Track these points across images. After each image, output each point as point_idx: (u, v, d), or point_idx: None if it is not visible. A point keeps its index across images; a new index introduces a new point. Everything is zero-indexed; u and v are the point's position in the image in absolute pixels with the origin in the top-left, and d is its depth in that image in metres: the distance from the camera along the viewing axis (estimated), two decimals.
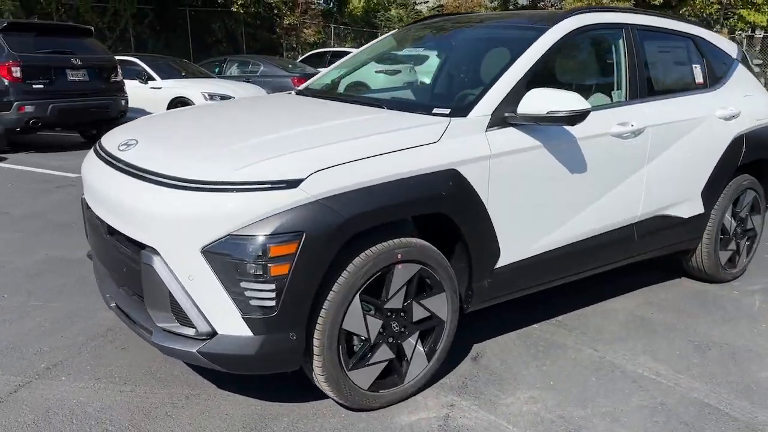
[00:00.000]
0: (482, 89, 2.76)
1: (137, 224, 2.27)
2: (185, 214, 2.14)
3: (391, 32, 4.15)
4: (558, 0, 25.34)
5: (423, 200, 2.40)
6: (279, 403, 2.53)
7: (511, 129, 2.70)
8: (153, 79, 10.97)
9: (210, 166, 2.24)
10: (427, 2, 30.40)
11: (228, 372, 2.29)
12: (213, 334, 2.19)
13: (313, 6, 26.24)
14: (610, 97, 3.27)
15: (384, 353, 2.47)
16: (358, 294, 2.31)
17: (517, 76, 2.77)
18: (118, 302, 2.60)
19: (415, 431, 2.39)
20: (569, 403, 2.62)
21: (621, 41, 3.30)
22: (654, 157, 3.29)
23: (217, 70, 13.36)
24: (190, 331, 2.22)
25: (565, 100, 2.60)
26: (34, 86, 8.40)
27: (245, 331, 2.17)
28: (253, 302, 2.13)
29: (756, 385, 2.81)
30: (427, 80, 4.08)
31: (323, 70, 4.12)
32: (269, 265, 2.09)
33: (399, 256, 2.39)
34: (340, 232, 2.17)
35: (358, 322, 2.35)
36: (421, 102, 3.55)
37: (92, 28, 9.78)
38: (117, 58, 9.99)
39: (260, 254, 2.08)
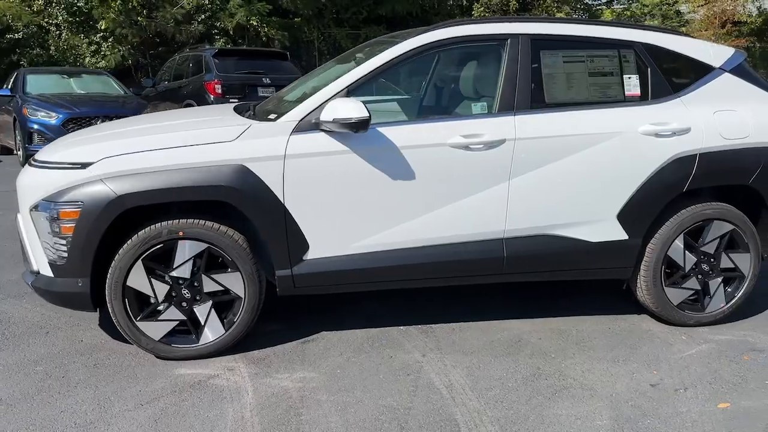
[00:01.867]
0: (305, 97, 3.08)
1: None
2: (27, 183, 2.99)
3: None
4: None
5: (203, 188, 2.86)
6: (119, 342, 3.20)
7: (321, 134, 2.96)
8: None
9: (54, 151, 3.05)
10: None
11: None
12: (38, 272, 2.99)
13: None
14: (470, 109, 3.22)
15: (173, 313, 2.98)
16: (141, 258, 2.88)
17: (339, 87, 3.02)
18: None
19: (180, 381, 2.85)
20: (333, 388, 2.78)
21: (501, 53, 3.21)
22: (525, 171, 3.13)
23: None
24: (34, 270, 3.05)
25: (349, 109, 2.80)
26: (230, 100, 10.39)
27: (50, 272, 2.91)
28: (53, 251, 2.87)
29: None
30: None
31: None
32: (60, 224, 2.81)
33: (181, 233, 2.89)
34: (113, 205, 2.78)
35: (142, 282, 2.91)
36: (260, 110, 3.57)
37: (287, 52, 11.58)
38: None
39: (55, 216, 2.82)
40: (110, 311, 2.93)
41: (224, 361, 3.03)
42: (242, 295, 3.01)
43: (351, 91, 3.03)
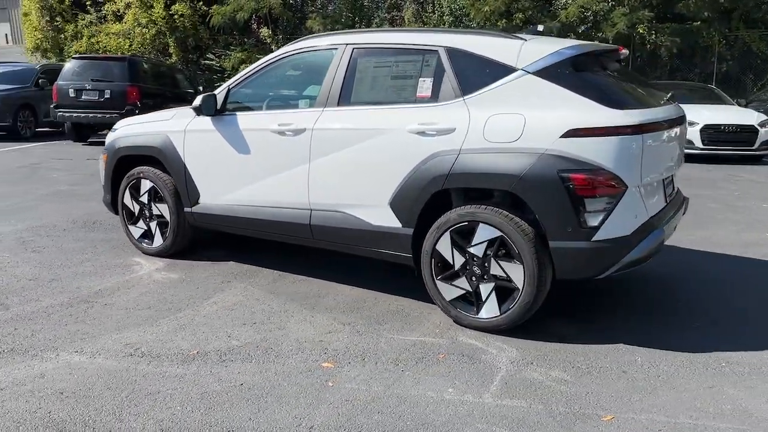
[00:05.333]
0: None
1: None
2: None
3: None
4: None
5: (146, 147, 4.65)
6: None
7: (206, 117, 4.35)
8: None
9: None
10: None
11: None
12: None
13: None
14: (298, 104, 4.03)
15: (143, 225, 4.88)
16: (127, 188, 4.85)
17: (226, 86, 4.35)
18: None
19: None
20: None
21: (331, 60, 3.94)
22: (320, 155, 3.84)
23: None
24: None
25: (197, 99, 4.16)
26: None
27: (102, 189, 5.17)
28: (101, 177, 5.11)
29: None
30: None
31: None
32: (100, 162, 5.02)
33: (141, 174, 4.73)
34: (116, 154, 4.83)
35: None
36: None
37: None
38: None
39: (101, 156, 5.04)
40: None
41: None
42: (168, 218, 4.67)
43: (231, 88, 4.32)
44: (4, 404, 2.66)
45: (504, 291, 3.37)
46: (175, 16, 21.08)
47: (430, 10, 21.20)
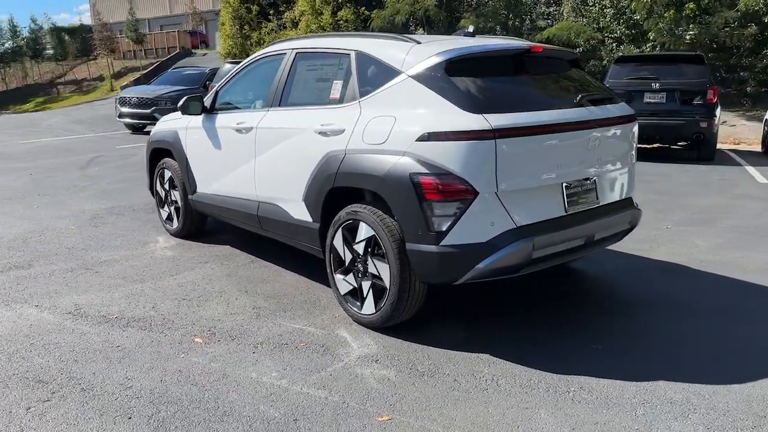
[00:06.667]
0: None
1: None
2: None
3: None
4: None
5: (163, 141, 5.36)
6: None
7: (202, 116, 4.94)
8: None
9: None
10: None
11: None
12: None
13: None
14: (254, 105, 4.38)
15: None
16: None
17: (216, 88, 4.89)
18: None
19: None
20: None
21: (279, 64, 4.25)
22: (261, 152, 4.19)
23: None
24: None
25: (181, 101, 4.75)
26: None
27: None
28: None
29: None
30: None
31: None
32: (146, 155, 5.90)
33: (164, 164, 5.46)
34: (150, 147, 5.64)
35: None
36: None
37: (703, 55, 10.51)
38: None
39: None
40: None
41: None
42: (180, 203, 5.35)
43: (219, 90, 4.84)
44: None
45: (381, 289, 3.43)
46: (340, 22, 22.56)
47: (591, 3, 20.03)
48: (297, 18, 24.43)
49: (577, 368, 3.06)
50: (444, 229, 3.06)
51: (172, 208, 5.54)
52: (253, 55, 4.66)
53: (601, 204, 3.54)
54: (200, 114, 4.83)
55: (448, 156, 3.02)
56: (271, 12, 25.38)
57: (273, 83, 4.27)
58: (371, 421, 2.62)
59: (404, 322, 3.48)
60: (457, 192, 3.01)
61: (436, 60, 3.27)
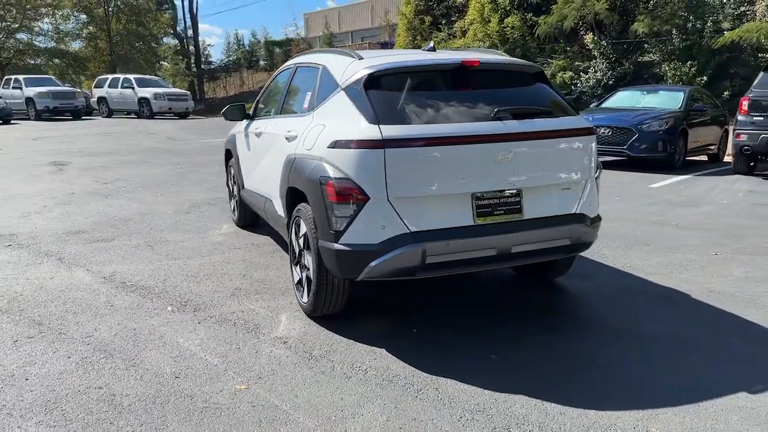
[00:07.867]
0: None
1: None
2: None
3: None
4: None
5: (228, 143, 6.20)
6: None
7: (246, 122, 5.67)
8: None
9: None
10: None
11: None
12: None
13: None
14: (271, 112, 4.95)
15: None
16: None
17: (258, 97, 5.58)
18: None
19: None
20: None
21: (287, 77, 4.79)
22: (264, 154, 4.76)
23: None
24: None
25: (225, 108, 5.51)
26: (754, 118, 9.56)
27: None
28: None
29: None
30: None
31: None
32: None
33: (230, 163, 6.31)
34: (225, 148, 6.54)
35: None
36: None
37: None
38: None
39: None
40: None
41: None
42: (236, 194, 6.14)
43: (258, 101, 5.52)
44: (7, 280, 4.55)
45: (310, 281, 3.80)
46: (507, 29, 22.51)
47: None
48: (466, 27, 24.85)
49: (456, 374, 3.14)
50: (341, 228, 3.33)
51: (234, 202, 6.37)
52: (277, 71, 5.28)
53: (526, 218, 3.50)
54: (242, 120, 5.56)
55: (347, 162, 3.29)
56: (443, 22, 26.12)
57: (280, 93, 4.84)
58: (230, 387, 3.03)
59: (345, 315, 3.82)
60: (352, 196, 3.27)
61: (361, 74, 3.54)
